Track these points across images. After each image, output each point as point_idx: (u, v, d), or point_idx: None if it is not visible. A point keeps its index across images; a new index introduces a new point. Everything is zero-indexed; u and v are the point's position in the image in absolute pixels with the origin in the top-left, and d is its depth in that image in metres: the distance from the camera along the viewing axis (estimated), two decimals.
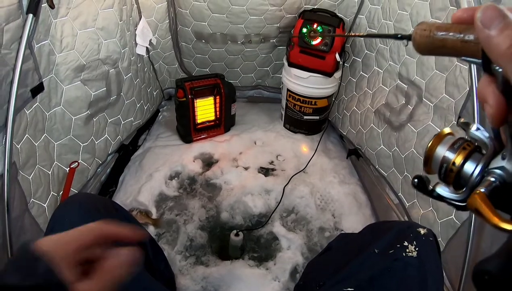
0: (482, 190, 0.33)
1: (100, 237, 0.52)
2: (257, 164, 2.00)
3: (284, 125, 2.32)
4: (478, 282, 0.29)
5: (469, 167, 0.37)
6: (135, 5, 1.85)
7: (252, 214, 1.72)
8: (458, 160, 0.37)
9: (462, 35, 0.33)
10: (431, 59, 1.43)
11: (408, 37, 0.38)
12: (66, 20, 1.36)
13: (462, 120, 0.39)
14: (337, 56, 1.91)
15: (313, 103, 2.09)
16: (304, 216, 1.73)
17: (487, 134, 0.37)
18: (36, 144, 1.28)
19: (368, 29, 1.85)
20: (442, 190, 0.39)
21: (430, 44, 0.36)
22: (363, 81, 1.92)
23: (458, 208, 0.37)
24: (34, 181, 1.25)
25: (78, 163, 1.52)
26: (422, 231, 0.87)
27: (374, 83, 1.82)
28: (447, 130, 0.41)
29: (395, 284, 0.83)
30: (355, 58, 1.99)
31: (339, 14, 1.96)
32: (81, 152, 1.55)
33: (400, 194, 1.60)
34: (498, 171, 0.34)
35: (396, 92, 1.64)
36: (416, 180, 0.39)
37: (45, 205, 1.30)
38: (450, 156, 0.38)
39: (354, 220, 1.71)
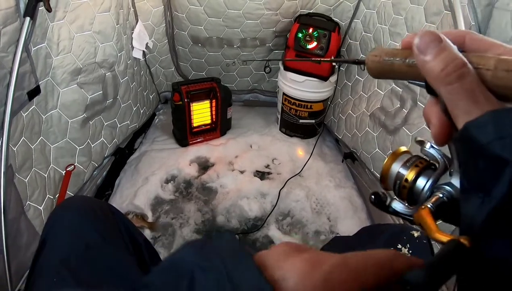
0: (429, 205, 0.35)
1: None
2: (253, 167, 2.00)
3: (280, 129, 2.33)
4: None
5: (420, 183, 0.38)
6: (132, 9, 1.86)
7: (247, 218, 1.72)
8: (410, 176, 0.39)
9: (407, 60, 0.35)
10: None
11: (362, 62, 0.40)
12: (63, 23, 1.36)
13: (418, 138, 0.41)
14: None
15: (308, 107, 2.10)
16: (300, 219, 1.73)
17: (440, 152, 0.39)
18: (33, 147, 1.28)
19: (363, 33, 1.87)
20: (397, 205, 0.41)
21: (380, 69, 0.38)
22: (359, 85, 1.93)
23: (411, 222, 0.38)
24: (30, 184, 1.25)
25: (74, 166, 1.52)
26: (416, 234, 0.88)
27: (369, 87, 1.83)
28: (403, 148, 0.42)
29: None
30: None
31: (334, 18, 1.97)
32: (77, 155, 1.54)
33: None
34: (446, 187, 0.36)
35: (391, 96, 1.65)
36: (373, 196, 0.41)
37: (41, 208, 1.30)
38: (403, 172, 0.40)
39: (350, 224, 1.71)
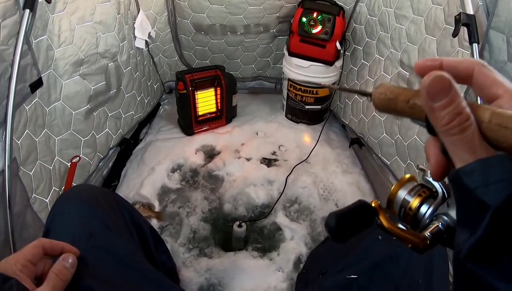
0: (427, 234, 0.40)
1: (44, 249, 0.66)
2: (259, 154, 1.99)
3: (285, 116, 2.31)
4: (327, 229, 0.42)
5: (422, 211, 0.43)
6: None
7: (255, 205, 1.72)
8: (414, 205, 0.44)
9: (410, 102, 0.37)
10: (433, 45, 1.41)
11: (369, 95, 0.43)
12: (63, 15, 1.35)
13: (419, 166, 0.46)
14: (337, 44, 1.90)
15: (314, 92, 2.08)
16: (307, 206, 1.73)
17: (440, 182, 0.44)
18: (37, 139, 1.28)
19: (368, 17, 1.83)
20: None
21: (385, 106, 0.40)
22: (365, 70, 1.90)
23: (414, 249, 0.43)
24: (35, 177, 1.25)
25: (80, 158, 1.51)
26: None
27: (375, 71, 1.80)
28: (408, 176, 0.47)
29: (399, 271, 0.83)
30: (356, 47, 1.98)
31: (339, 2, 1.94)
32: (82, 147, 1.54)
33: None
34: (444, 217, 0.41)
35: (398, 79, 1.63)
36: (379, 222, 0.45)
37: (47, 200, 1.30)
38: (408, 199, 0.45)
39: None
